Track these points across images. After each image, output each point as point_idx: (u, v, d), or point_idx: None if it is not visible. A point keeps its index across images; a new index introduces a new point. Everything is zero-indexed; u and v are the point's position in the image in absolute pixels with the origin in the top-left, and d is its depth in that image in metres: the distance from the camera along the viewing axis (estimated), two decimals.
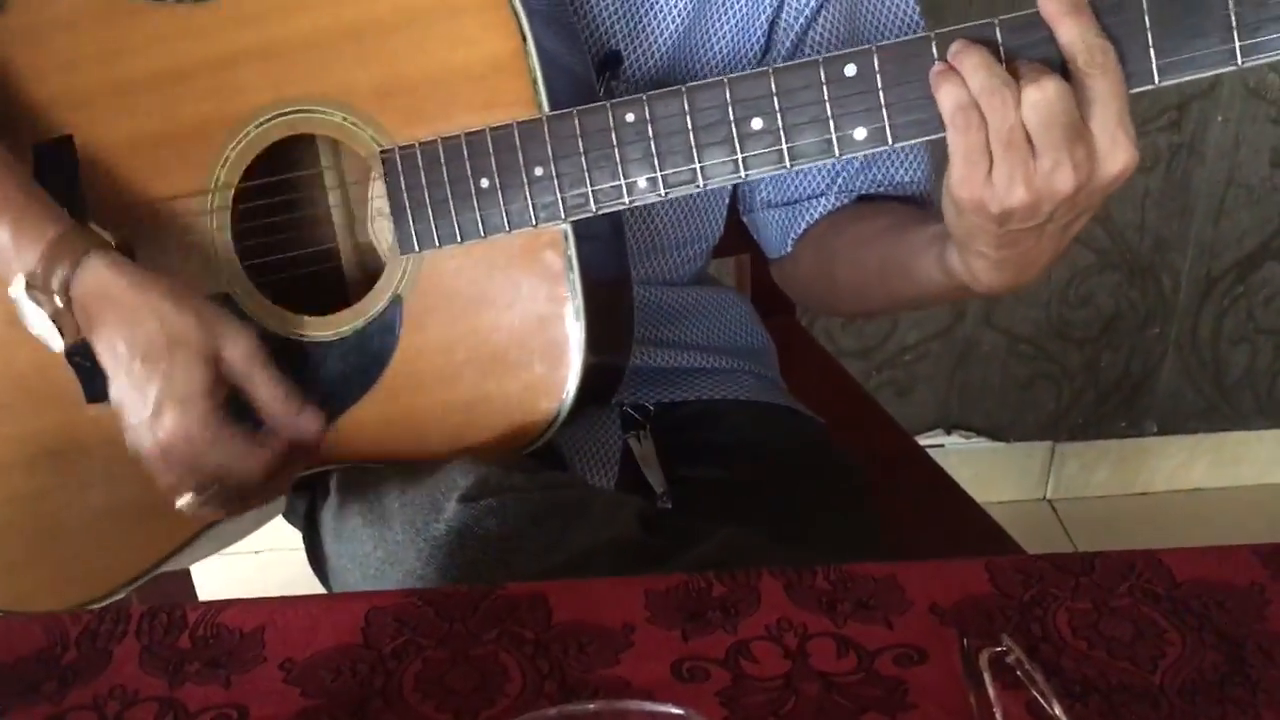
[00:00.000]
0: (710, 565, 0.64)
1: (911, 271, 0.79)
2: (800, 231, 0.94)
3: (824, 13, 0.89)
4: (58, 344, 0.74)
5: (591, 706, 0.41)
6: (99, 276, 0.72)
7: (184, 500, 0.73)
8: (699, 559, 0.71)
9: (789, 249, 0.95)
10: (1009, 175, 0.63)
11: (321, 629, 0.61)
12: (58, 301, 0.72)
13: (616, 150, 0.73)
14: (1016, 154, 0.62)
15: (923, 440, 1.83)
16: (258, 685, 0.58)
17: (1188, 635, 0.59)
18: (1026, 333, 1.83)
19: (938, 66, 0.65)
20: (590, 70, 0.81)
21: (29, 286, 0.72)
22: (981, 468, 1.87)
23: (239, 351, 0.72)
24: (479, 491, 0.72)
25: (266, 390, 0.73)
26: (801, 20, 0.89)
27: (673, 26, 0.87)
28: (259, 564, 1.72)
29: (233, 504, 0.74)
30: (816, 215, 0.93)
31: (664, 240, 0.95)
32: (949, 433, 1.89)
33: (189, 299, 0.73)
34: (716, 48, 0.89)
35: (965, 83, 0.63)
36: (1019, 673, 0.56)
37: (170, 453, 0.71)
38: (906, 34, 0.85)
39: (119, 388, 0.72)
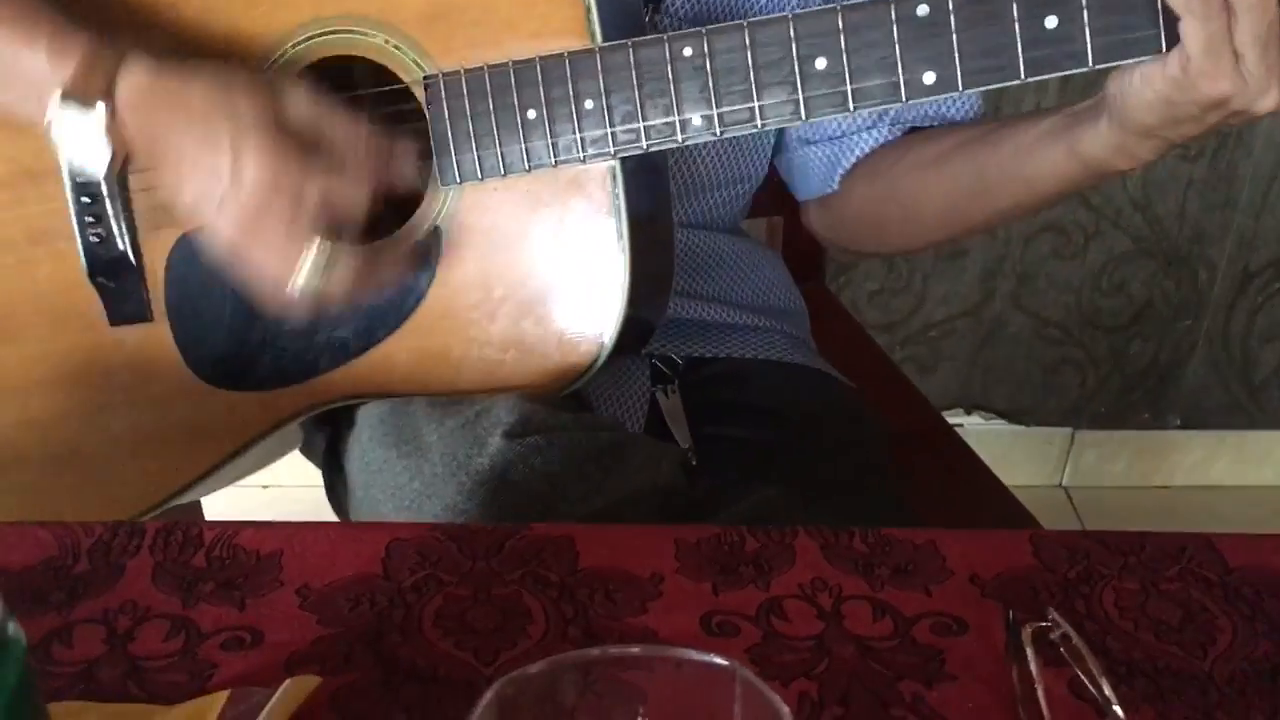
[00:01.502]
0: (749, 520, 0.62)
1: (1025, 170, 0.76)
2: (848, 166, 0.90)
3: None
4: (102, 165, 0.70)
5: (635, 650, 0.38)
6: (143, 75, 0.69)
7: (304, 263, 0.68)
8: (738, 515, 0.69)
9: (835, 186, 0.92)
10: (1266, 70, 0.62)
11: (340, 557, 0.59)
12: (100, 108, 0.68)
13: (672, 86, 0.70)
14: (1274, 50, 0.61)
15: None
16: (273, 609, 0.56)
17: (1239, 623, 0.57)
18: (1056, 316, 1.80)
19: None
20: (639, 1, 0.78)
21: (65, 96, 0.68)
22: (999, 450, 1.84)
23: (300, 99, 0.69)
24: (524, 429, 0.70)
25: (341, 125, 0.69)
26: None
27: None
28: (267, 498, 1.71)
29: (356, 264, 0.70)
30: (866, 148, 0.89)
31: (706, 179, 0.92)
32: (969, 413, 1.87)
33: (237, 73, 0.70)
34: None
35: None
36: (1063, 650, 0.54)
37: (266, 199, 0.67)
38: None
39: (190, 180, 0.69)
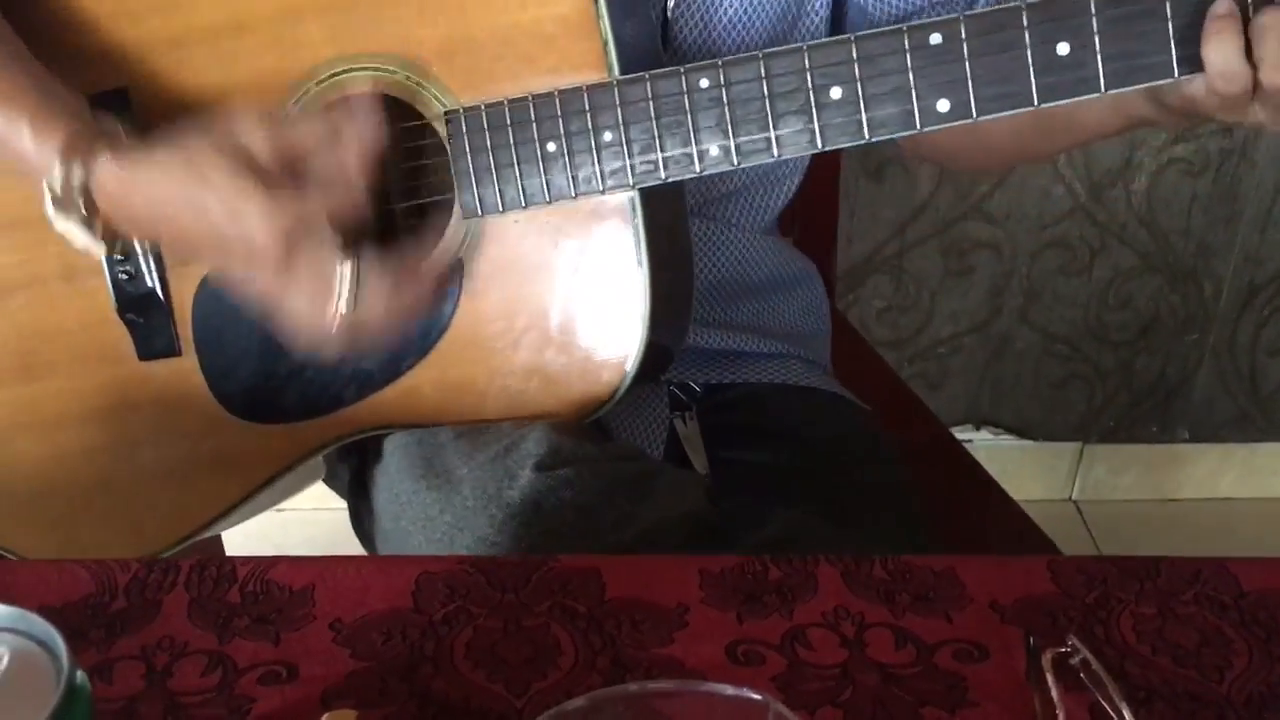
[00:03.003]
0: (774, 546, 0.63)
1: (1078, 119, 0.77)
2: None
3: None
4: (100, 253, 0.72)
5: (672, 686, 0.40)
6: (112, 174, 0.69)
7: (341, 287, 0.68)
8: (764, 540, 0.71)
9: None
10: (1270, 116, 0.65)
11: (372, 590, 0.61)
12: (82, 210, 0.70)
13: (689, 117, 0.72)
14: None
15: None
16: (307, 643, 0.58)
17: (1255, 647, 0.58)
18: (1063, 332, 1.81)
19: (1227, 12, 0.64)
20: (654, 13, 0.79)
21: (55, 204, 0.70)
22: (1009, 465, 1.84)
23: (252, 125, 0.68)
24: (554, 460, 0.71)
25: (302, 127, 0.69)
26: None
27: None
28: (282, 521, 1.72)
29: (388, 271, 0.70)
30: None
31: (737, 179, 0.92)
32: (978, 428, 1.88)
33: (188, 133, 0.69)
34: None
35: None
36: (1083, 675, 0.55)
37: (285, 247, 0.67)
38: None
39: (204, 254, 0.71)
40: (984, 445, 1.87)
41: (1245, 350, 1.83)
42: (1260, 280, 1.78)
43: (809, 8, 0.88)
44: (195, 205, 0.68)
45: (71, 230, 0.71)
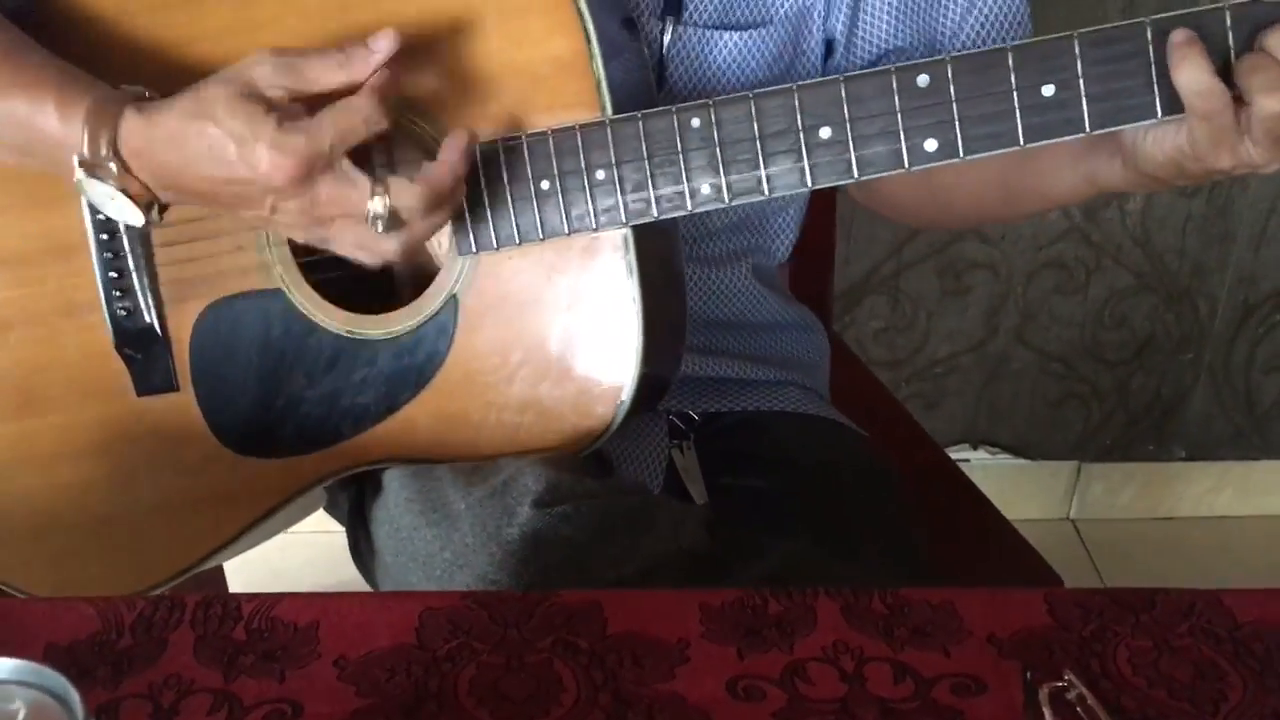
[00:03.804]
0: (772, 578, 0.64)
1: (1044, 186, 0.80)
2: None
3: None
4: (138, 218, 0.72)
5: None
6: (138, 130, 0.70)
7: (374, 207, 0.68)
8: (761, 572, 0.71)
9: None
10: (1270, 153, 0.66)
11: (375, 627, 0.61)
12: (114, 170, 0.70)
13: (681, 156, 0.73)
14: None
15: (948, 455, 1.82)
16: (312, 681, 0.58)
17: (1249, 679, 0.58)
18: (1059, 351, 1.81)
19: (1184, 40, 0.66)
20: (646, 53, 0.79)
21: (85, 168, 0.70)
22: (1006, 485, 1.85)
23: (267, 66, 0.69)
24: (552, 497, 0.72)
25: (316, 62, 0.69)
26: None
27: None
28: (280, 544, 1.72)
29: (417, 180, 0.70)
30: None
31: (717, 222, 0.93)
32: (975, 448, 1.88)
33: (206, 83, 0.70)
34: None
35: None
36: (1079, 709, 0.55)
37: (303, 176, 0.68)
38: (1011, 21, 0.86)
39: (232, 206, 0.71)
40: (981, 465, 1.88)
41: (1240, 369, 1.84)
42: (1255, 299, 1.79)
43: (804, 48, 0.89)
44: (208, 144, 0.68)
45: (104, 196, 0.71)
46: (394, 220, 0.69)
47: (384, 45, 0.69)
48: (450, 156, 0.70)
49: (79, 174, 0.70)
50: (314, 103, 0.69)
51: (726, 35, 0.85)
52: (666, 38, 0.83)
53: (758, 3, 0.87)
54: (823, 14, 0.88)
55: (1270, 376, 1.85)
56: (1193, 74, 0.65)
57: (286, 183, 0.67)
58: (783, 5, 0.87)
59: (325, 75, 0.69)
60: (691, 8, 0.85)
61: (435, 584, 0.73)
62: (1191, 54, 0.65)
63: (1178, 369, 1.84)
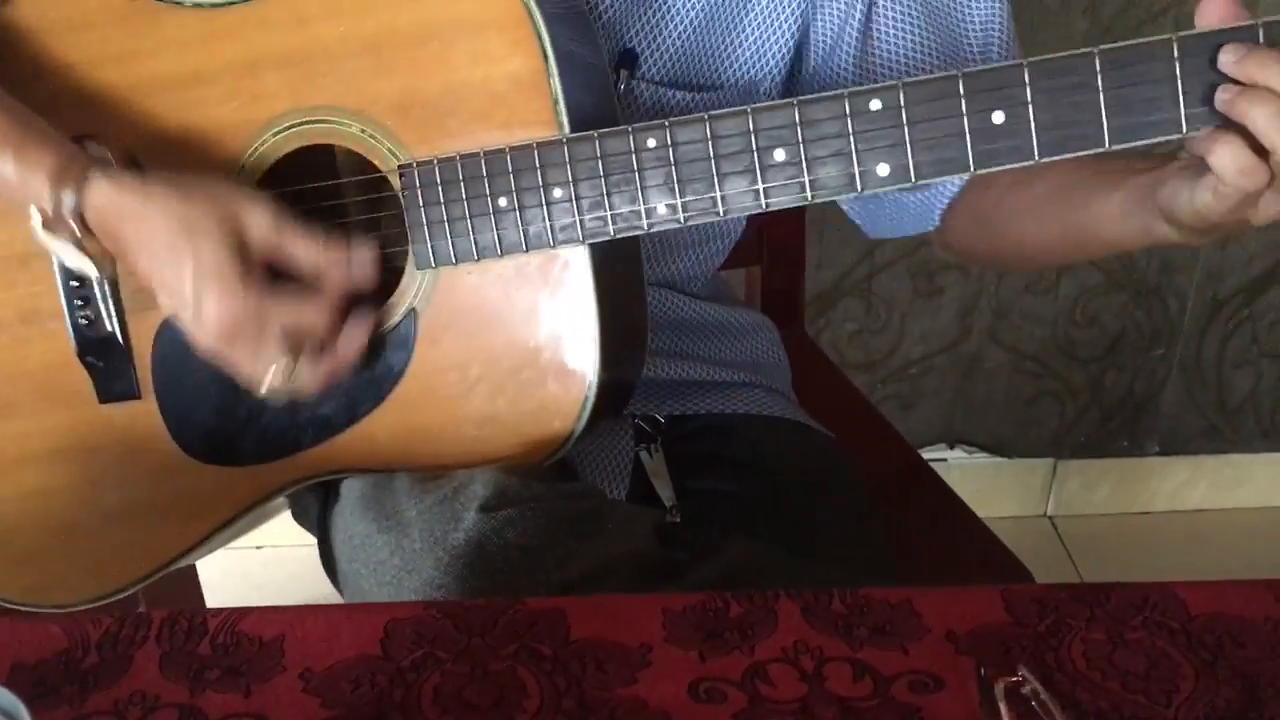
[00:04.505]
0: (724, 579, 0.65)
1: (1105, 235, 0.79)
2: (945, 204, 0.91)
3: (884, 14, 0.88)
4: (93, 272, 0.76)
5: None
6: (105, 196, 0.73)
7: (271, 377, 0.74)
8: (713, 574, 0.72)
9: (936, 223, 0.93)
10: None
11: (340, 639, 0.62)
12: (75, 230, 0.73)
13: (637, 175, 0.73)
14: None
15: (925, 454, 1.82)
16: (277, 695, 0.59)
17: (1201, 670, 0.59)
18: (1032, 350, 1.83)
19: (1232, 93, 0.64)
20: (608, 71, 0.81)
21: (44, 225, 0.73)
22: (983, 483, 1.87)
23: (262, 222, 0.73)
24: (499, 502, 0.72)
25: (302, 248, 0.74)
26: (844, 27, 0.89)
27: (686, 21, 0.86)
28: (261, 559, 1.73)
29: (321, 366, 0.76)
30: (955, 190, 0.90)
31: (683, 237, 0.95)
32: (951, 447, 1.90)
33: (197, 188, 0.73)
34: (742, 46, 0.89)
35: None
36: (1034, 704, 0.56)
37: (229, 335, 0.73)
38: (993, 35, 0.87)
39: (162, 296, 0.75)
40: (958, 464, 1.89)
41: (1211, 364, 1.86)
42: (1223, 295, 1.80)
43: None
44: (176, 256, 0.72)
45: (60, 249, 0.75)
46: (281, 384, 0.76)
47: (364, 272, 0.75)
48: (356, 345, 0.77)
49: (37, 227, 0.73)
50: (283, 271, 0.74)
51: (679, 94, 0.87)
52: (620, 89, 0.84)
53: (710, 68, 0.88)
54: (779, 86, 0.91)
55: (1240, 371, 1.87)
56: (1234, 154, 0.64)
57: (215, 330, 0.73)
58: (733, 73, 0.89)
59: (303, 259, 0.74)
60: (646, 65, 0.86)
61: (387, 590, 0.74)
62: (1233, 133, 0.64)
63: (1149, 365, 1.85)
